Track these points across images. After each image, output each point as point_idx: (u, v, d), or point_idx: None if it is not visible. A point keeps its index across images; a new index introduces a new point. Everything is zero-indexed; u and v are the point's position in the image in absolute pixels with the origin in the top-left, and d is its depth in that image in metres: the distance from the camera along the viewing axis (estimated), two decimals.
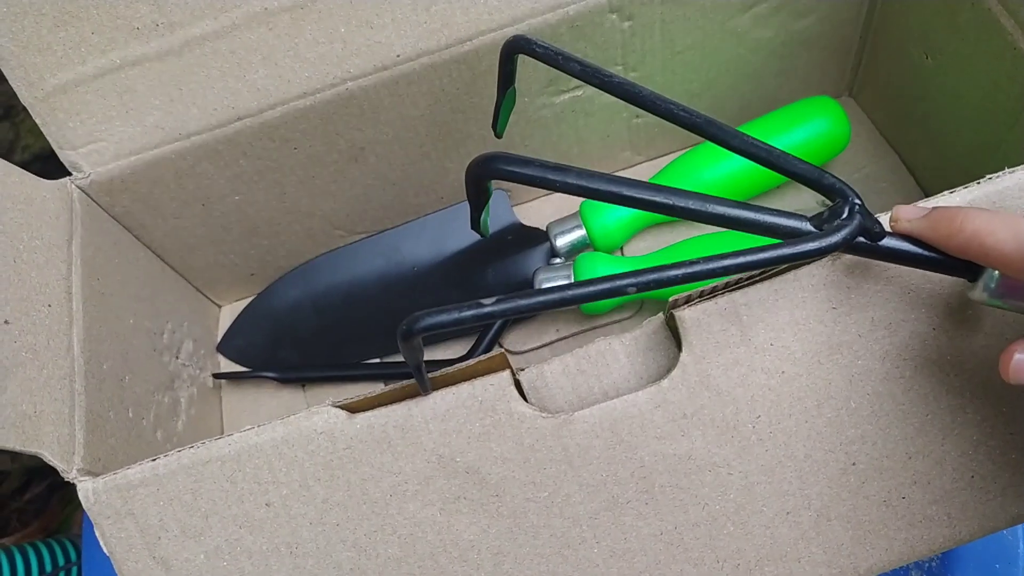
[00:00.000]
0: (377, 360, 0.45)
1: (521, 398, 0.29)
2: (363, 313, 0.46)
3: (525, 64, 0.38)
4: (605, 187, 0.23)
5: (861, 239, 0.25)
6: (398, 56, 0.36)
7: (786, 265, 0.30)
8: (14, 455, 0.60)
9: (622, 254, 0.45)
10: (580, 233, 0.43)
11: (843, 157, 0.44)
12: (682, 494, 0.29)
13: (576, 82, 0.40)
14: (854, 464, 0.30)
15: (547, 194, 0.48)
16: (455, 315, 0.22)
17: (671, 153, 0.47)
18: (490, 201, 0.45)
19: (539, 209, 0.48)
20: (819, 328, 0.29)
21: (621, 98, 0.28)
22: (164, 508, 0.29)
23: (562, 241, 0.44)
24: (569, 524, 0.30)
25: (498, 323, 0.42)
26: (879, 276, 0.29)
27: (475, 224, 0.30)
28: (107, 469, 0.30)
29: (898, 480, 0.30)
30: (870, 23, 0.42)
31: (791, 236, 0.24)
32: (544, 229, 0.45)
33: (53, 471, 0.54)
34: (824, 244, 0.23)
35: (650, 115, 0.44)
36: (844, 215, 0.24)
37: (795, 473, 0.30)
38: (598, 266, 0.41)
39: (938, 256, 0.25)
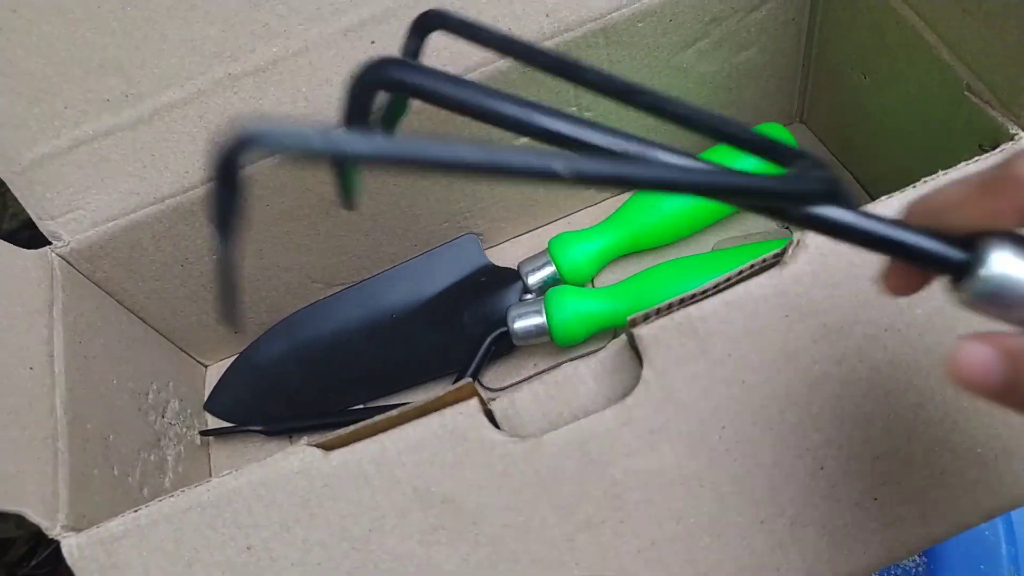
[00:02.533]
0: (361, 406, 0.46)
1: (492, 425, 0.30)
2: (346, 362, 0.47)
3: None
4: (508, 110, 0.18)
5: (831, 209, 0.20)
6: None
7: (745, 268, 0.31)
8: (19, 521, 0.61)
9: (592, 286, 0.46)
10: (550, 269, 0.45)
11: None
12: (656, 509, 0.30)
13: None
14: (822, 468, 0.30)
15: (517, 235, 0.49)
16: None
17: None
18: (460, 242, 0.47)
19: (511, 250, 0.49)
20: (774, 336, 0.30)
21: (549, 71, 0.23)
22: (147, 558, 0.30)
23: (533, 279, 0.45)
24: (547, 548, 0.30)
25: (476, 362, 0.43)
26: (825, 283, 0.30)
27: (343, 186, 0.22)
28: (93, 525, 0.31)
29: (868, 482, 0.30)
30: (810, 51, 0.44)
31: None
32: (515, 268, 0.46)
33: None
34: (792, 187, 0.19)
35: None
36: (813, 175, 0.20)
37: (765, 481, 0.30)
38: (568, 299, 0.42)
39: (918, 245, 0.20)
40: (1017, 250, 0.20)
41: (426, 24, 0.25)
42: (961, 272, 0.20)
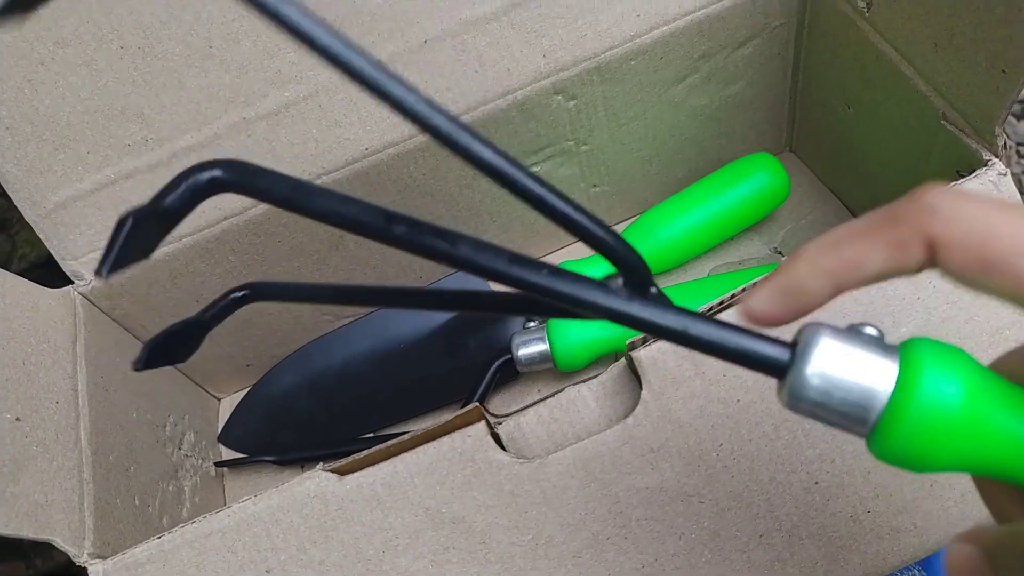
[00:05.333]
0: (371, 435, 0.47)
1: (499, 447, 0.31)
2: (356, 392, 0.48)
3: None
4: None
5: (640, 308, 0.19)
6: (366, 149, 0.39)
7: (737, 291, 0.32)
8: (28, 563, 0.61)
9: None
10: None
11: (789, 206, 0.48)
12: (658, 526, 0.31)
13: (533, 159, 0.44)
14: (817, 483, 0.31)
15: None
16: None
17: (630, 218, 0.50)
18: (463, 278, 0.49)
19: None
20: None
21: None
22: None
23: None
24: (554, 565, 0.31)
25: (482, 388, 0.44)
26: None
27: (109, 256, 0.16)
28: (116, 553, 0.32)
29: (861, 495, 0.31)
30: (796, 84, 0.46)
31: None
32: None
33: (66, 574, 0.55)
34: (625, 307, 0.19)
35: (606, 184, 0.48)
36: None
37: (763, 496, 0.31)
38: (570, 326, 0.44)
39: (739, 346, 0.19)
40: (837, 348, 0.18)
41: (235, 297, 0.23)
42: (783, 373, 0.19)
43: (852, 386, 0.18)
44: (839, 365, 0.18)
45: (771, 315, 0.19)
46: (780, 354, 0.19)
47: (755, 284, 0.19)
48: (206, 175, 0.18)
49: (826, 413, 0.18)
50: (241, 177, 0.18)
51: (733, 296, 0.33)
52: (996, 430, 0.17)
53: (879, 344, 0.18)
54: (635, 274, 0.19)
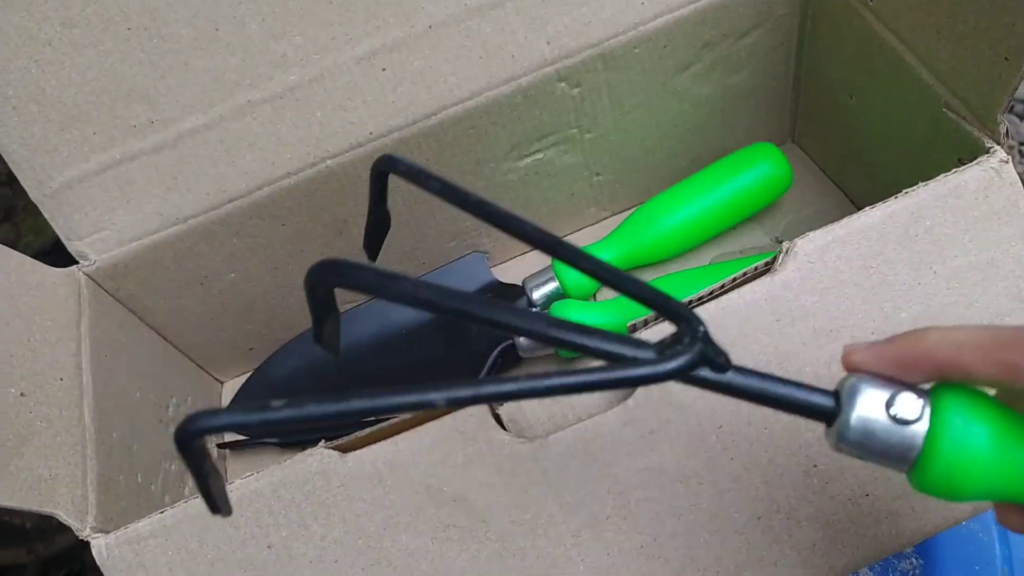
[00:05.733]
0: (373, 418, 0.48)
1: (500, 427, 0.32)
2: (358, 377, 0.48)
3: (488, 131, 0.42)
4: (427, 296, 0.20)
5: (705, 371, 0.22)
6: (371, 134, 0.40)
7: (738, 275, 0.33)
8: (30, 548, 0.62)
9: (595, 300, 0.48)
10: (554, 285, 0.46)
11: (792, 197, 0.48)
12: (657, 506, 0.31)
13: (536, 146, 0.44)
14: (815, 466, 0.32)
15: (523, 253, 0.51)
16: (238, 418, 0.18)
17: (633, 206, 0.50)
18: (467, 260, 0.49)
19: (516, 267, 0.51)
20: (766, 340, 0.31)
21: (478, 216, 0.25)
22: (172, 557, 0.31)
23: (538, 294, 0.47)
24: (554, 544, 0.31)
25: (484, 372, 0.45)
26: (814, 289, 0.32)
27: (317, 337, 0.25)
28: (118, 528, 0.32)
29: (859, 478, 0.32)
30: (799, 74, 0.46)
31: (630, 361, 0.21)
32: (521, 284, 0.48)
33: (68, 561, 0.56)
34: (657, 371, 0.20)
35: (609, 172, 0.48)
36: (685, 342, 0.21)
37: (761, 479, 0.31)
38: (571, 312, 0.44)
39: (790, 396, 0.22)
40: (877, 394, 0.21)
41: (380, 168, 0.28)
42: (831, 419, 0.22)
43: (892, 430, 0.21)
44: (879, 413, 0.21)
45: (866, 368, 0.22)
46: (826, 402, 0.22)
47: (869, 345, 0.22)
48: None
49: (869, 455, 0.22)
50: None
51: (734, 280, 0.33)
52: (1014, 467, 0.21)
53: (914, 390, 0.21)
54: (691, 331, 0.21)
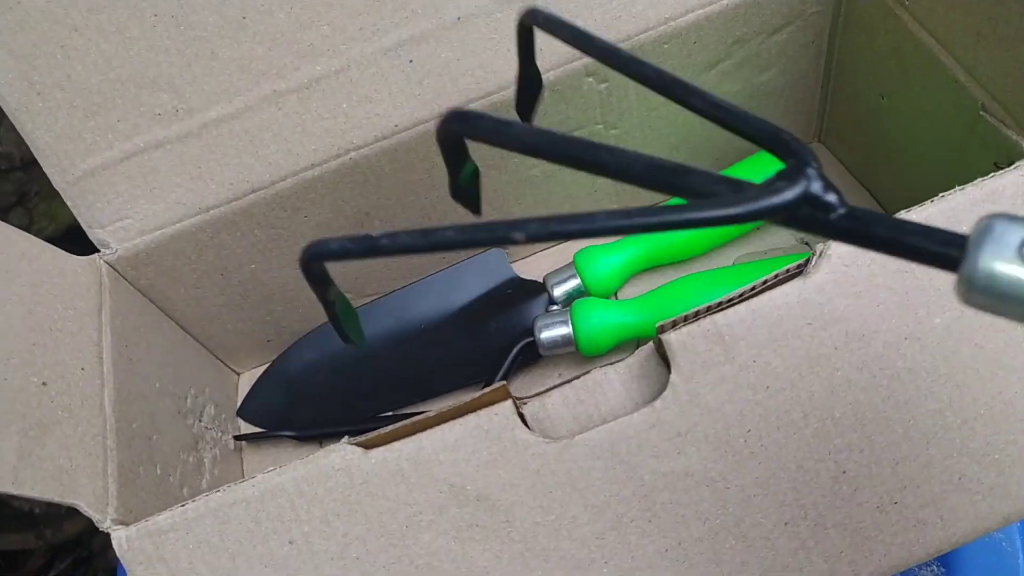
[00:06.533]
0: (390, 413, 0.47)
1: (524, 426, 0.31)
2: (376, 371, 0.48)
3: None
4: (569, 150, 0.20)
5: (810, 210, 0.19)
6: (396, 126, 0.39)
7: (769, 278, 0.32)
8: (39, 533, 0.62)
9: (616, 299, 0.47)
10: (575, 282, 0.46)
11: None
12: (683, 510, 0.31)
13: None
14: (844, 472, 0.31)
15: (543, 249, 0.51)
16: (347, 244, 0.20)
17: (656, 204, 0.50)
18: (487, 256, 0.48)
19: (536, 264, 0.50)
20: (797, 343, 0.31)
21: (625, 73, 0.24)
22: (193, 551, 0.31)
23: (559, 291, 0.46)
24: (577, 545, 0.31)
25: (504, 369, 0.44)
26: (847, 292, 0.31)
27: (453, 191, 0.26)
28: (138, 520, 0.32)
29: (888, 486, 0.31)
30: (828, 73, 0.45)
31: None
32: (541, 281, 0.47)
33: (76, 547, 0.56)
34: (758, 207, 0.19)
35: None
36: (792, 178, 0.19)
37: (789, 484, 0.31)
38: (593, 310, 0.43)
39: (911, 243, 0.19)
40: (1013, 240, 0.18)
41: (524, 23, 0.28)
42: (954, 261, 0.18)
43: None
44: (1010, 254, 0.17)
45: None
46: (951, 249, 0.18)
47: None
48: None
49: (1001, 304, 0.18)
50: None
51: (765, 282, 0.33)
52: None
53: None
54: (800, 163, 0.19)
